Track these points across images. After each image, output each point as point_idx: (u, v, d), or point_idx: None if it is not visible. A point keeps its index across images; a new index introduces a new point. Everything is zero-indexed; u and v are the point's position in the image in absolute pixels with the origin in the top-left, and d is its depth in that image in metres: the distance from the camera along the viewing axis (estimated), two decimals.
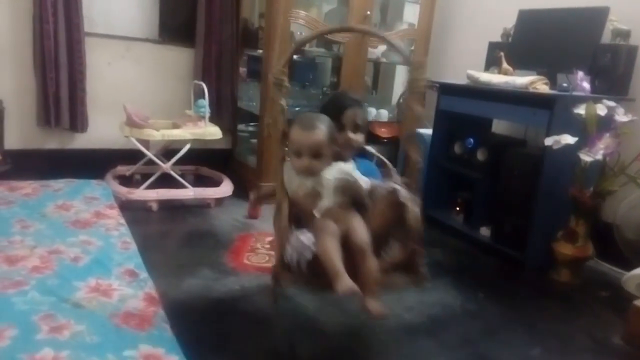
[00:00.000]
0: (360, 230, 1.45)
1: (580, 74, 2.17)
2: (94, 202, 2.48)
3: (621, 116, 2.06)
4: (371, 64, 3.61)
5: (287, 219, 1.54)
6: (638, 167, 2.13)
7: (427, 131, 3.06)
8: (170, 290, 1.88)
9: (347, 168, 1.57)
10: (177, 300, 1.85)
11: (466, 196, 2.86)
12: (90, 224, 2.18)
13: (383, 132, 3.66)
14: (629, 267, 2.04)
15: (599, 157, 2.07)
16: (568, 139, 2.07)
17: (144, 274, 1.79)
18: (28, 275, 1.66)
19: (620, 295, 2.13)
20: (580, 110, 2.12)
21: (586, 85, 2.13)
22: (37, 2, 2.76)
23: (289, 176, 1.57)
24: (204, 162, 3.32)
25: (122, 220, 2.31)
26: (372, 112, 3.52)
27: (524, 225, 2.38)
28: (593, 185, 2.22)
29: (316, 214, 1.50)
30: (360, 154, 1.78)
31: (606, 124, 2.12)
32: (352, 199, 1.52)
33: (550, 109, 2.21)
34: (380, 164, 1.88)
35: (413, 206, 1.52)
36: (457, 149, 2.88)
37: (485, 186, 2.68)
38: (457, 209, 2.89)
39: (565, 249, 2.28)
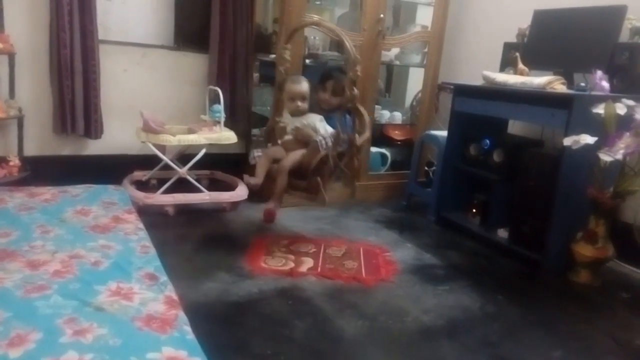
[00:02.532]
0: (287, 159, 2.36)
1: (599, 73, 2.14)
2: (112, 207, 2.49)
3: None
4: (384, 66, 3.61)
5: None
6: None
7: (442, 133, 3.05)
8: (189, 294, 1.90)
9: (315, 118, 2.44)
10: (197, 303, 1.86)
11: (483, 198, 2.84)
12: (109, 229, 2.19)
13: (397, 135, 3.66)
14: None
15: (619, 156, 2.04)
16: (587, 139, 2.05)
17: (163, 277, 1.79)
18: (50, 279, 1.67)
19: None
20: (599, 109, 2.10)
21: (605, 84, 2.11)
22: (54, 11, 2.81)
23: (287, 120, 2.51)
24: (219, 166, 3.34)
25: (141, 225, 2.32)
26: (386, 114, 3.52)
27: (543, 227, 2.36)
28: (613, 185, 2.20)
29: (279, 142, 2.53)
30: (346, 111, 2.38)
31: (626, 123, 2.09)
32: (303, 138, 2.42)
33: (568, 109, 2.19)
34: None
35: (319, 151, 2.28)
36: (472, 150, 2.86)
37: (502, 187, 2.66)
38: (474, 210, 2.87)
39: (585, 250, 2.26)
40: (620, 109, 2.09)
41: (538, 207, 2.40)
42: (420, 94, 3.53)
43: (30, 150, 2.99)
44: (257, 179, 2.33)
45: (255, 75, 3.57)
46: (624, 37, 2.35)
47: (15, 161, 2.82)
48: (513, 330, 1.84)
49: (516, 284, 2.30)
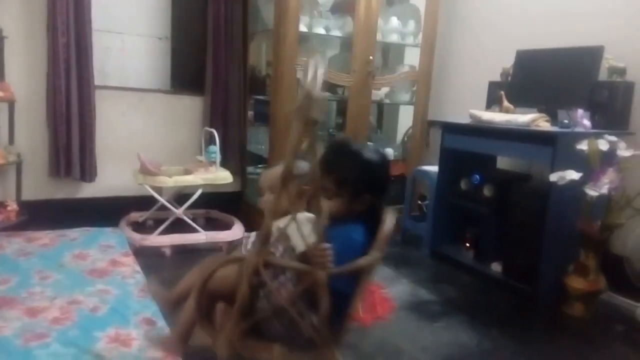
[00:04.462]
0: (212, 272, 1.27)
1: (580, 111, 2.23)
2: (109, 250, 2.52)
3: (624, 151, 2.11)
4: (375, 104, 3.71)
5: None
6: None
7: (433, 168, 3.12)
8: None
9: (302, 218, 1.27)
10: (194, 348, 1.87)
11: (475, 231, 2.89)
12: (106, 273, 2.22)
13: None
14: None
15: (604, 191, 2.10)
16: (573, 175, 2.12)
17: (161, 322, 1.81)
18: (49, 326, 1.69)
19: (635, 328, 2.13)
20: (583, 146, 2.18)
21: (586, 122, 2.19)
22: (50, 59, 2.90)
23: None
24: (215, 205, 3.38)
25: (138, 268, 2.35)
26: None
27: (534, 260, 2.40)
28: (601, 218, 2.25)
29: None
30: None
31: (609, 158, 2.17)
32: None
33: (553, 146, 2.27)
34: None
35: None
36: (463, 185, 2.92)
37: (494, 221, 2.72)
38: (467, 244, 2.91)
39: (576, 283, 2.29)
40: (603, 145, 2.16)
41: (529, 240, 2.45)
42: (410, 130, 3.62)
43: (27, 194, 3.02)
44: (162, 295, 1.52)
45: (251, 113, 3.65)
46: (603, 74, 2.45)
47: (13, 206, 2.85)
48: None
49: (511, 318, 2.32)
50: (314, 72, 1.08)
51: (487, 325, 2.18)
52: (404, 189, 3.46)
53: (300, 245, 1.23)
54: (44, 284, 2.05)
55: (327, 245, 1.17)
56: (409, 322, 2.20)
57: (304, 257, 1.20)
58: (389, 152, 3.64)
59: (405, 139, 3.78)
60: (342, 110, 3.52)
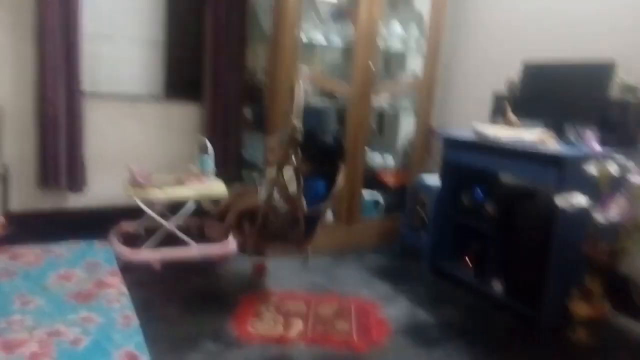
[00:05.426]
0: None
1: (588, 133, 2.12)
2: (96, 269, 2.44)
3: (635, 177, 2.00)
4: (376, 111, 3.59)
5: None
6: None
7: (435, 180, 3.01)
8: None
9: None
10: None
11: (477, 248, 2.79)
12: (91, 296, 2.14)
13: (389, 180, 3.62)
14: None
15: (613, 219, 2.00)
16: (581, 201, 2.02)
17: (145, 358, 1.73)
18: None
19: None
20: (592, 170, 2.07)
21: (595, 145, 2.08)
22: (39, 66, 2.79)
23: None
24: (208, 214, 3.27)
25: (124, 289, 2.27)
26: (378, 158, 3.50)
27: (538, 282, 2.31)
28: (608, 241, 2.15)
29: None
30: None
31: (619, 182, 2.06)
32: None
33: (559, 167, 2.16)
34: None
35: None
36: (465, 199, 2.83)
37: (497, 239, 2.62)
38: (468, 261, 2.82)
39: (581, 309, 2.20)
40: (614, 169, 2.06)
41: (533, 261, 2.35)
42: (412, 138, 3.52)
43: (15, 204, 2.94)
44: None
45: (247, 119, 3.56)
46: (614, 89, 2.34)
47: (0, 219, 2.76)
48: None
49: (512, 343, 2.24)
50: (299, 94, 1.89)
51: (486, 351, 2.10)
52: (403, 199, 3.36)
53: (291, 188, 2.25)
54: (24, 310, 1.97)
55: (302, 199, 2.26)
56: (405, 348, 2.12)
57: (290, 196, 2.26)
58: (389, 160, 3.55)
59: (407, 146, 3.68)
60: (341, 118, 3.41)
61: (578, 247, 2.20)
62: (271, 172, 2.41)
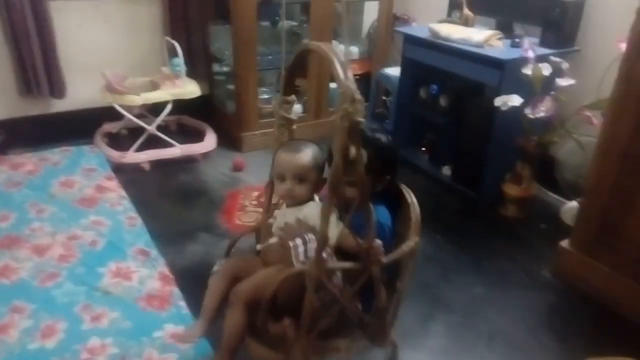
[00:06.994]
0: (247, 281, 1.39)
1: (526, 41, 2.35)
2: (92, 174, 2.70)
3: (562, 80, 2.30)
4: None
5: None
6: (575, 121, 2.42)
7: (396, 72, 3.24)
8: (177, 260, 2.18)
9: (315, 209, 1.38)
10: (185, 269, 2.14)
11: (431, 138, 3.15)
12: (95, 201, 2.44)
13: (355, 69, 3.81)
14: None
15: (540, 116, 2.34)
16: (514, 101, 2.33)
17: (154, 252, 2.10)
18: (58, 265, 1.96)
19: (558, 226, 2.53)
20: (527, 70, 2.35)
21: (531, 53, 2.32)
22: None
23: (280, 212, 1.52)
24: (184, 110, 3.44)
25: (123, 192, 2.57)
26: (342, 49, 3.64)
27: (479, 168, 2.71)
28: (538, 134, 2.52)
29: (258, 247, 1.56)
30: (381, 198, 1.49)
31: (551, 83, 2.36)
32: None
33: (501, 70, 2.43)
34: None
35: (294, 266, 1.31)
36: (422, 93, 3.10)
37: (448, 130, 2.96)
38: (423, 149, 3.19)
39: (511, 190, 2.64)
40: (546, 69, 2.34)
41: (476, 150, 2.72)
42: (376, 23, 3.64)
43: (1, 114, 3.08)
44: (195, 329, 1.45)
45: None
46: None
47: None
48: (447, 271, 2.25)
49: (455, 222, 2.70)
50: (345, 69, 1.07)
51: (432, 230, 2.52)
52: (368, 88, 3.60)
53: (333, 237, 1.27)
54: (41, 218, 2.27)
55: (378, 242, 1.26)
56: None
57: (339, 249, 1.30)
58: (354, 50, 3.70)
59: (371, 31, 3.80)
60: (305, 8, 3.46)
61: (513, 139, 2.56)
62: (296, 211, 1.43)
